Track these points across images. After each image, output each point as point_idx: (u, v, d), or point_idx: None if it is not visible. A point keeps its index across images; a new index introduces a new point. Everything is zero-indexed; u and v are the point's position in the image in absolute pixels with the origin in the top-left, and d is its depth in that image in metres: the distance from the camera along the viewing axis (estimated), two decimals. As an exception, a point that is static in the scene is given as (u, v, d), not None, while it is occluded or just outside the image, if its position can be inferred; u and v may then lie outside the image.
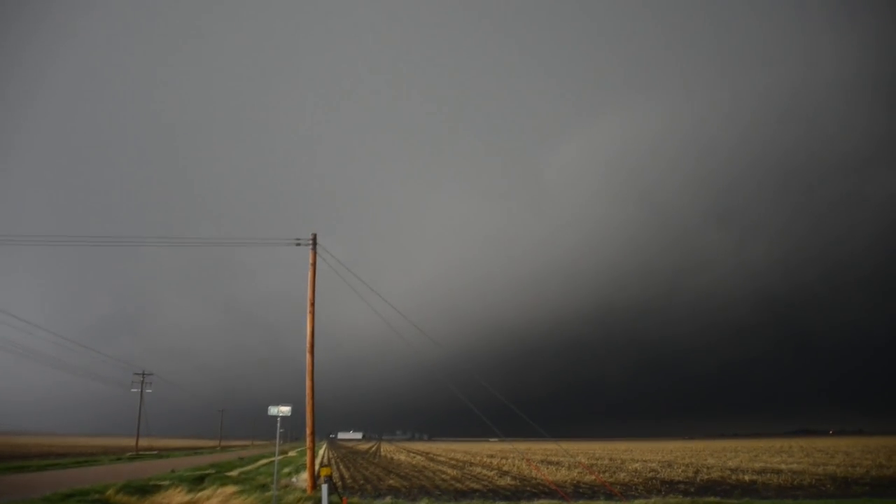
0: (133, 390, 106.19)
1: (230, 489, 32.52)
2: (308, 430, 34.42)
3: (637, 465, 67.17)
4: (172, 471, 53.92)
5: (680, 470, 57.06)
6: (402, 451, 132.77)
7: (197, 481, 41.73)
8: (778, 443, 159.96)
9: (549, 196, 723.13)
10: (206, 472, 54.02)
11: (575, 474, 51.98)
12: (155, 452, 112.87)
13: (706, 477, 48.30)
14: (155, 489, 34.00)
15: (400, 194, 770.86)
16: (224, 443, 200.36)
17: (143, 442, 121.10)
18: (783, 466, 58.31)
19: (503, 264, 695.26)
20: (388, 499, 32.74)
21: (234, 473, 53.36)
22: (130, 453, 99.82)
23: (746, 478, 46.28)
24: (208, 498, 29.43)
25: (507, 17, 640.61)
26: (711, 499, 31.70)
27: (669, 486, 40.81)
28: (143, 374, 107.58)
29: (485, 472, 58.27)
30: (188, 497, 29.77)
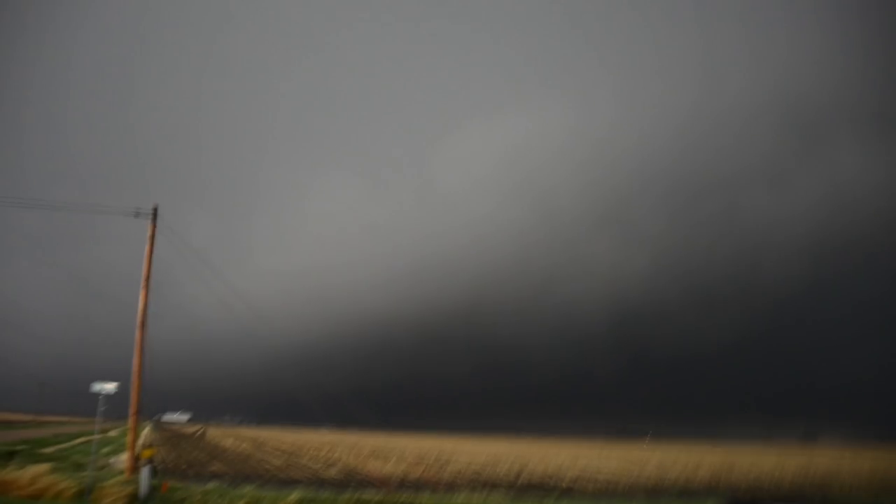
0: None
1: (43, 467, 31.07)
2: (132, 410, 33.40)
3: (463, 463, 68.64)
4: (-21, 445, 50.98)
5: (504, 470, 58.71)
6: (229, 437, 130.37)
7: (6, 457, 39.68)
8: (597, 447, 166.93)
9: (437, 189, 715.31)
10: (17, 447, 51.35)
11: (402, 468, 52.60)
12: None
13: (528, 479, 49.94)
14: (-42, 464, 32.12)
15: (280, 177, 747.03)
16: (41, 418, 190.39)
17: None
18: (600, 471, 61.02)
19: (383, 255, 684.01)
20: (210, 484, 32.17)
21: (48, 450, 51.03)
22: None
23: (565, 482, 48.13)
24: (17, 476, 28.05)
25: (410, 3, 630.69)
26: (531, 500, 32.88)
27: (492, 486, 41.98)
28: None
29: (312, 463, 58.11)
30: (-5, 473, 28.28)
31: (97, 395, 29.72)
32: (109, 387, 29.72)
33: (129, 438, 34.04)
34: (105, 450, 55.36)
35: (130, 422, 33.78)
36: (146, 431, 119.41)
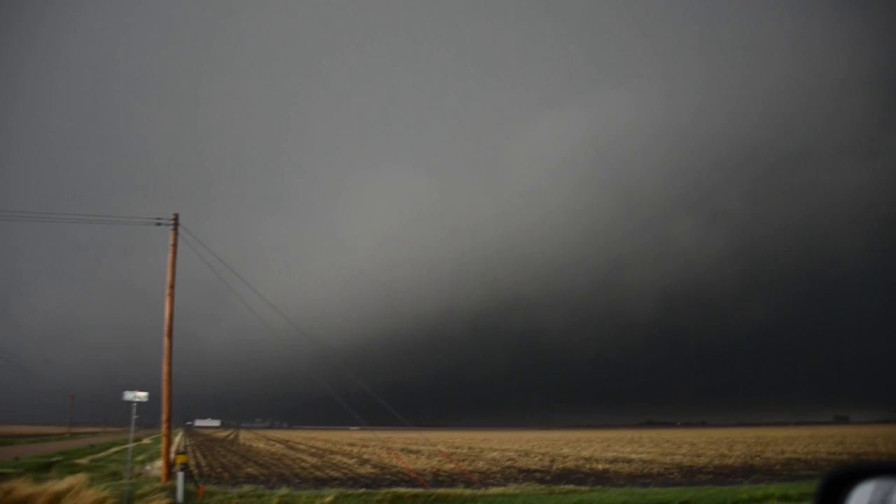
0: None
1: (80, 477, 31.30)
2: (164, 417, 33.55)
3: (495, 454, 68.62)
4: (16, 458, 51.46)
5: (536, 459, 58.64)
6: (261, 439, 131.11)
7: (43, 469, 40.04)
8: (629, 433, 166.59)
9: (507, 178, 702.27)
10: (54, 459, 51.82)
11: (435, 463, 52.64)
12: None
13: (561, 466, 49.84)
14: (-3, 477, 32.38)
15: (334, 171, 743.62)
16: (75, 429, 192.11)
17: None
18: (634, 456, 60.80)
19: (450, 247, 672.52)
20: (246, 487, 32.28)
21: (84, 461, 51.43)
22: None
23: (600, 466, 47.99)
24: (56, 487, 28.24)
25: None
26: (567, 486, 32.75)
27: (526, 475, 41.92)
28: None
29: (345, 460, 58.29)
30: (34, 486, 28.49)
31: (128, 403, 29.89)
32: (141, 395, 29.87)
33: (162, 445, 34.21)
34: (140, 457, 55.75)
35: (163, 428, 33.95)
36: (179, 438, 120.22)
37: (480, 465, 51.53)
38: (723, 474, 41.13)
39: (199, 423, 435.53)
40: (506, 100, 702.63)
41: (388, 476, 41.57)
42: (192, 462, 53.55)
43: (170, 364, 33.58)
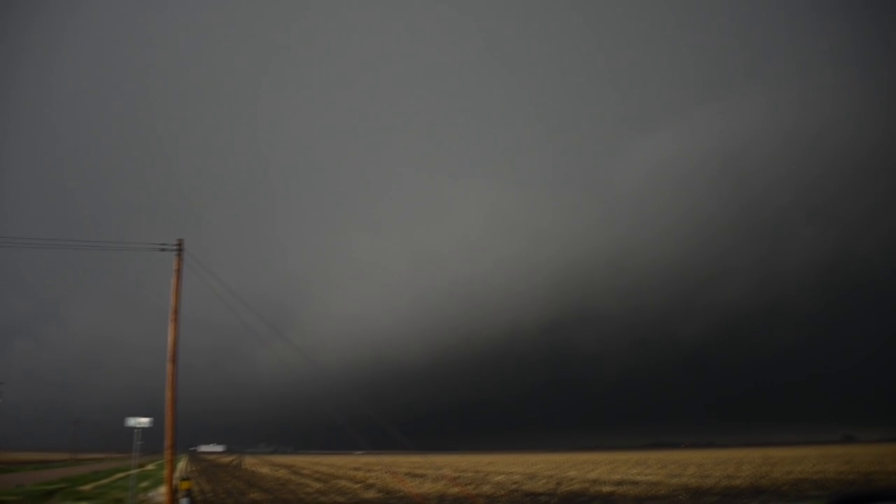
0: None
1: (83, 504, 31.17)
2: (168, 443, 33.34)
3: (501, 477, 68.13)
4: (19, 485, 51.20)
5: (542, 482, 58.20)
6: (265, 465, 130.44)
7: (46, 497, 39.84)
8: (635, 455, 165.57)
9: (622, 194, 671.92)
10: (58, 486, 51.54)
11: (440, 487, 52.27)
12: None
13: (567, 489, 49.45)
14: (0, 505, 32.23)
15: (418, 187, 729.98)
16: (79, 456, 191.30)
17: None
18: (640, 478, 60.32)
19: (547, 266, 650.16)
20: (250, 513, 32.06)
21: (87, 488, 51.15)
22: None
23: (606, 489, 47.60)
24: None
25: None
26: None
27: (532, 498, 41.58)
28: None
29: (350, 485, 57.89)
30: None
31: (131, 429, 29.79)
32: (144, 421, 29.78)
33: (166, 471, 34.02)
34: (143, 484, 55.46)
35: (167, 454, 33.76)
36: (183, 463, 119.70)
37: (486, 488, 51.15)
38: (730, 496, 40.77)
39: (203, 448, 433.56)
40: (620, 110, 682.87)
41: (393, 501, 41.28)
42: (196, 488, 53.26)
43: (174, 390, 33.41)
